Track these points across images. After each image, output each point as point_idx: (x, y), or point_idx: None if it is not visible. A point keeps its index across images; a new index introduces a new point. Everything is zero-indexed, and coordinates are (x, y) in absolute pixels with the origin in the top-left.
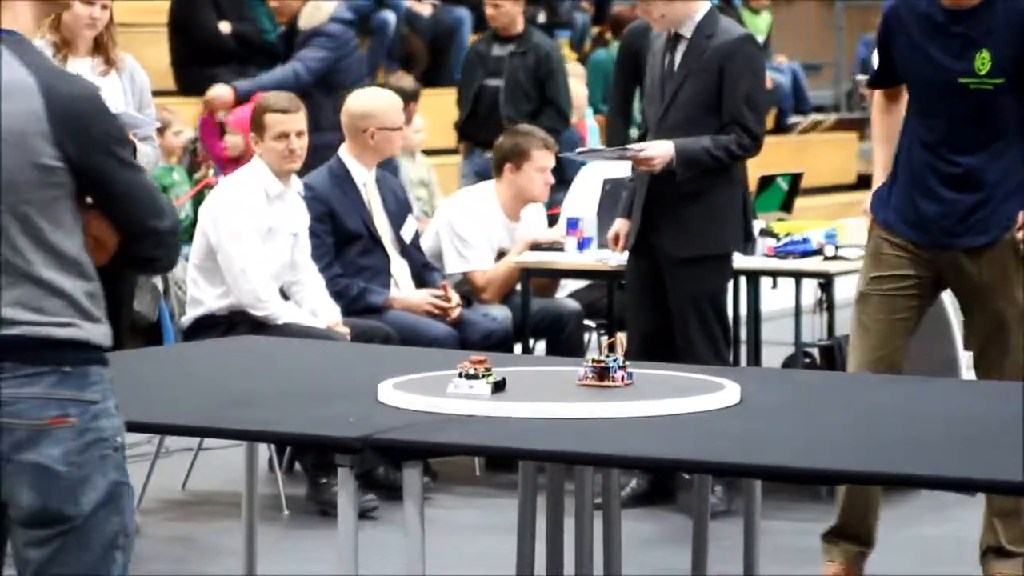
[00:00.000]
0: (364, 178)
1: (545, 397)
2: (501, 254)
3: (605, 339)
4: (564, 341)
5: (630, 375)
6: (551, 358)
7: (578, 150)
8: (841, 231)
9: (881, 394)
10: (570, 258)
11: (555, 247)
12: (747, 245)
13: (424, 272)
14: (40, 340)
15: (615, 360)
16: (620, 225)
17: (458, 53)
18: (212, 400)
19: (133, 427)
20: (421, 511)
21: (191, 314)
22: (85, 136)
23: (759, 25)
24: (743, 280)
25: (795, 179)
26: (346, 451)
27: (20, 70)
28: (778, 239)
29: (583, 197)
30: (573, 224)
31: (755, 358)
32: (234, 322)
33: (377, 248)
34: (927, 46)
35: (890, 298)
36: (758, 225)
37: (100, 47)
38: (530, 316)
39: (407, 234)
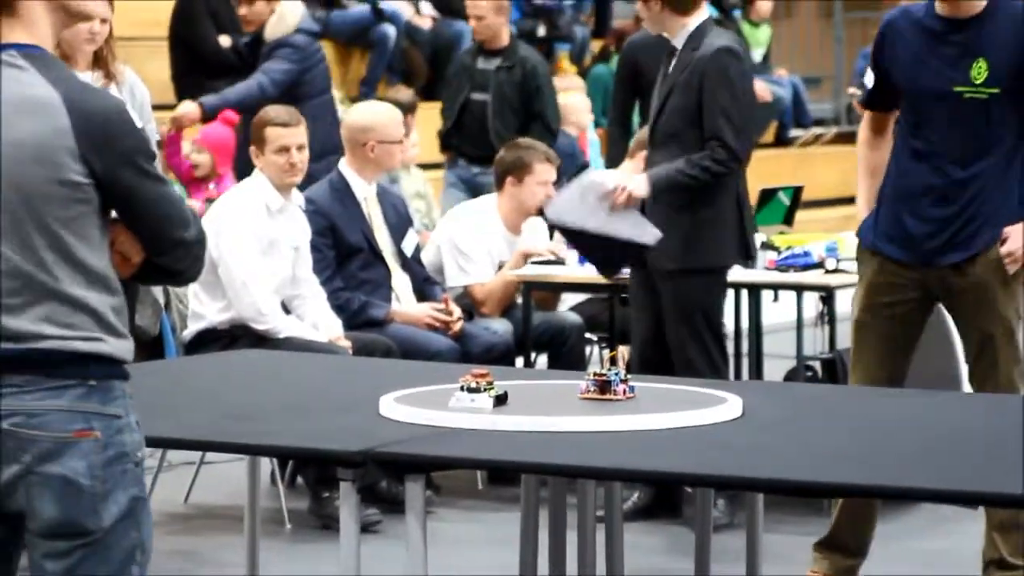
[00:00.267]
0: (365, 192)
1: (547, 411)
2: (502, 267)
3: (607, 352)
4: (566, 354)
5: (632, 388)
6: (553, 371)
7: (553, 202)
8: (842, 244)
9: (883, 407)
10: (571, 272)
11: (554, 259)
12: (748, 260)
13: (425, 286)
14: (67, 354)
15: (617, 373)
16: None
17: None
18: (214, 414)
19: None
20: (423, 525)
21: (193, 328)
22: (111, 151)
23: (759, 38)
24: (744, 293)
25: (796, 192)
26: (348, 465)
27: (44, 86)
28: (779, 252)
29: None
30: None
31: (757, 371)
32: (235, 336)
33: (378, 262)
34: (924, 55)
35: (886, 324)
36: (759, 239)
37: (100, 61)
38: (532, 329)
39: (408, 248)
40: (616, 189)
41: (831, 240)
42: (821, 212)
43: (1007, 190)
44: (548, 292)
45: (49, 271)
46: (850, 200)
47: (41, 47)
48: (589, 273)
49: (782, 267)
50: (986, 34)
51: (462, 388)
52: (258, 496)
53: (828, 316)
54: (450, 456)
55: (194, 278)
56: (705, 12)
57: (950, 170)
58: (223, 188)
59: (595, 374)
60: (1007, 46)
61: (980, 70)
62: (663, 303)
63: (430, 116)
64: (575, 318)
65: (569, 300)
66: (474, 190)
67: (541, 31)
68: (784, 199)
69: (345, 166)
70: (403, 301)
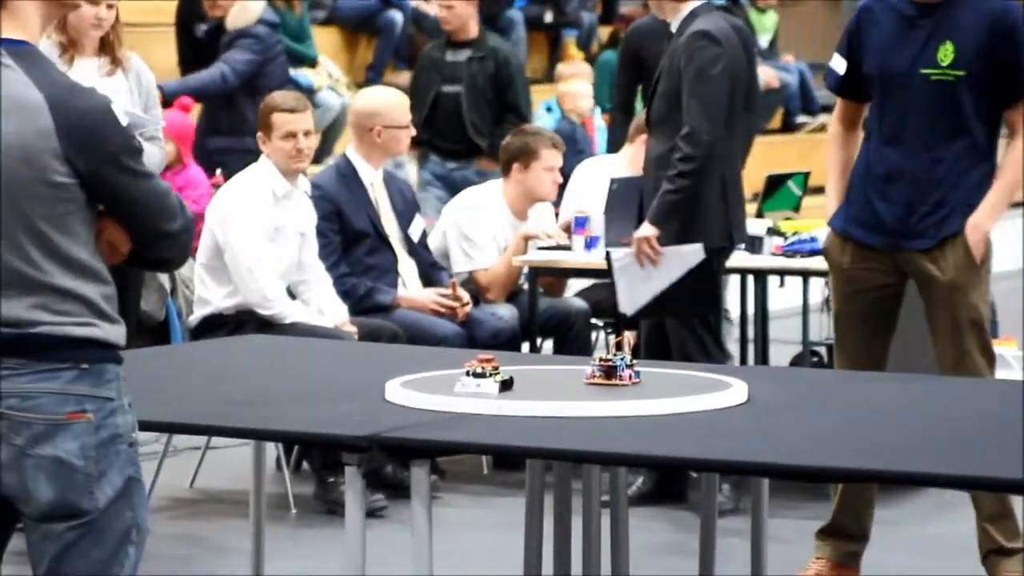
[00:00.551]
0: (371, 177)
1: (552, 396)
2: None
3: (612, 338)
4: (571, 340)
5: (637, 374)
6: (558, 357)
7: (620, 302)
8: None
9: (889, 392)
10: (577, 257)
11: (559, 244)
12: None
13: (431, 271)
14: (60, 338)
15: (622, 359)
16: None
17: None
18: (220, 399)
19: (141, 426)
20: (429, 510)
21: (198, 313)
22: (95, 152)
23: (766, 24)
24: (750, 279)
25: (803, 178)
26: (353, 450)
27: (27, 85)
28: (785, 238)
29: (581, 195)
30: (580, 223)
31: (762, 357)
32: (241, 321)
33: (384, 247)
34: (895, 39)
35: (863, 311)
36: (765, 224)
37: (106, 47)
38: (537, 315)
39: (414, 233)
40: (637, 252)
41: None
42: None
43: (977, 177)
44: (554, 277)
45: (39, 267)
46: None
47: (28, 42)
48: (595, 258)
49: (788, 253)
50: (954, 17)
51: (468, 373)
52: (263, 481)
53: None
54: (456, 441)
55: (181, 265)
56: None
57: (918, 154)
58: (189, 176)
59: (601, 359)
60: (973, 29)
61: (947, 52)
62: None
63: None
64: (581, 303)
65: (575, 285)
66: (451, 186)
67: (548, 17)
68: (796, 188)
69: (352, 151)
70: (409, 286)
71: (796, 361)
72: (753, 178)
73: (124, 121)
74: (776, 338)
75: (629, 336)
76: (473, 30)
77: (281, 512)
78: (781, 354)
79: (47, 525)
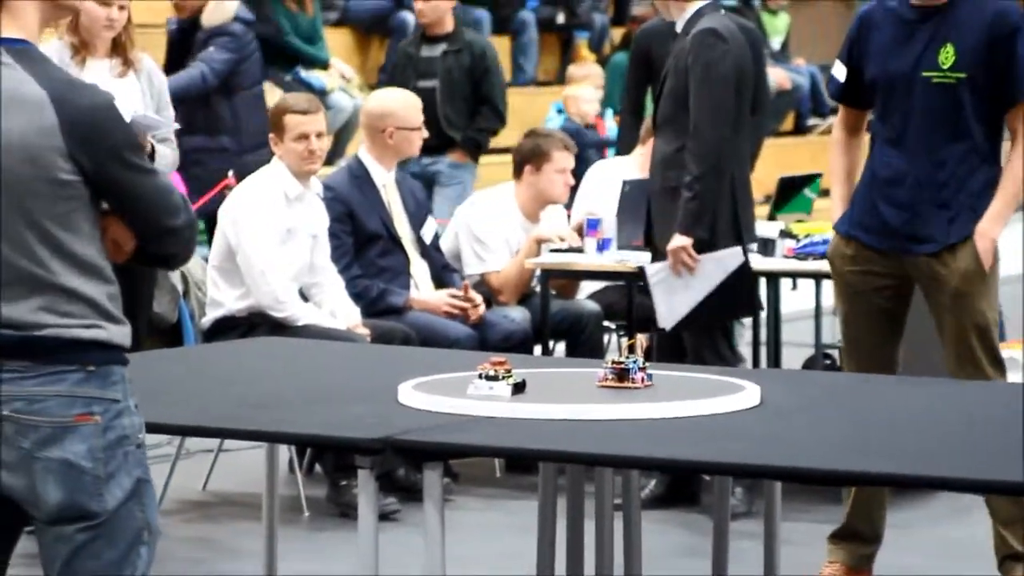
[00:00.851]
0: (383, 179)
1: (565, 398)
2: None
3: (625, 340)
4: (584, 342)
5: (650, 376)
6: (571, 359)
7: (659, 315)
8: None
9: (901, 395)
10: (589, 259)
11: (572, 247)
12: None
13: (444, 273)
14: (66, 340)
15: (635, 361)
16: None
17: None
18: (232, 401)
19: (154, 428)
20: (441, 512)
21: (211, 315)
22: (99, 148)
23: (777, 26)
24: (763, 281)
25: (814, 179)
26: (366, 452)
27: (29, 83)
28: (798, 240)
29: (594, 197)
30: (593, 225)
31: (775, 359)
32: (254, 323)
33: (397, 249)
34: (896, 43)
35: (869, 316)
36: (775, 227)
37: (118, 48)
38: (550, 317)
39: (427, 235)
40: (674, 264)
41: None
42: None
43: (981, 179)
44: (566, 280)
45: (43, 265)
46: None
47: (28, 41)
48: (607, 261)
49: (801, 255)
50: (954, 20)
51: (480, 376)
52: (276, 484)
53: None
54: (468, 444)
55: (185, 262)
56: None
57: (921, 157)
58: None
59: (613, 362)
60: (973, 31)
61: (948, 55)
62: None
63: None
64: (593, 306)
65: (587, 288)
66: (427, 181)
67: (560, 19)
68: (811, 194)
69: (364, 153)
70: (421, 289)
71: (808, 364)
72: (765, 180)
73: (132, 120)
74: (788, 341)
75: (642, 339)
76: (448, 24)
77: (294, 515)
78: (793, 357)
79: (58, 528)
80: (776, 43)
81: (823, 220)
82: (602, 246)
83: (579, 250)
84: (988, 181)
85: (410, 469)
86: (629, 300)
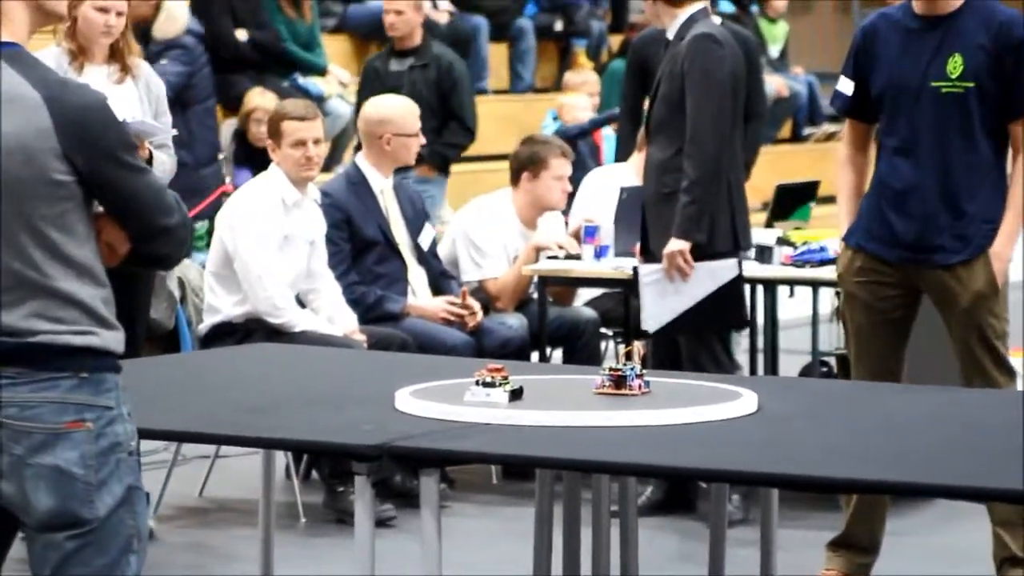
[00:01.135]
0: (381, 185)
1: (562, 405)
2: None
3: (622, 347)
4: (581, 349)
5: (647, 384)
6: (568, 366)
7: (643, 318)
8: None
9: (898, 403)
10: (587, 266)
11: (569, 254)
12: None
13: (441, 280)
14: (59, 347)
15: (632, 368)
16: None
17: (476, 61)
18: (229, 407)
19: (150, 434)
20: (438, 519)
21: (208, 322)
22: (93, 148)
23: (776, 34)
24: (760, 289)
25: (812, 187)
26: (363, 459)
27: (23, 84)
28: (795, 248)
29: (590, 204)
30: (590, 232)
31: (772, 367)
32: (251, 330)
33: (394, 255)
34: (903, 53)
35: (878, 327)
36: (773, 234)
37: (116, 55)
38: (547, 324)
39: (424, 241)
40: (669, 268)
41: None
42: (837, 208)
43: (991, 188)
44: (564, 287)
45: (38, 268)
46: None
47: (18, 43)
48: (604, 268)
49: (798, 263)
50: (962, 29)
51: (477, 383)
52: (273, 490)
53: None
54: (465, 451)
55: (179, 262)
56: (699, 4)
57: (930, 166)
58: None
59: (610, 369)
60: (980, 40)
61: (956, 65)
62: None
63: None
64: (590, 313)
65: (584, 295)
66: None
67: (558, 26)
68: (813, 206)
69: (361, 159)
70: (419, 295)
71: (806, 371)
72: (763, 188)
73: (130, 127)
74: (786, 348)
75: (639, 346)
76: (417, 38)
77: (290, 521)
78: (791, 364)
79: (48, 535)
80: (775, 51)
81: (820, 227)
82: (599, 253)
83: (577, 257)
84: (997, 190)
85: (406, 476)
86: (626, 307)
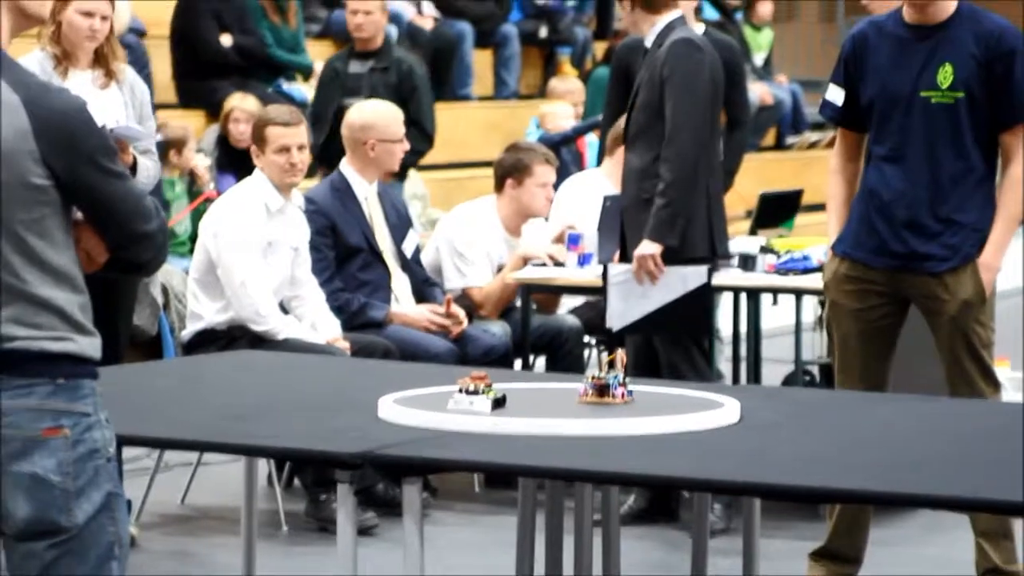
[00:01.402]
0: (365, 192)
1: (545, 414)
2: (501, 270)
3: (605, 356)
4: (564, 357)
5: (630, 392)
6: (551, 374)
7: (608, 316)
8: None
9: (881, 413)
10: (570, 274)
11: (554, 262)
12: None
13: (425, 287)
14: (35, 353)
15: (615, 377)
16: None
17: (460, 68)
18: (212, 414)
19: (133, 441)
20: (420, 527)
21: (191, 328)
22: (72, 152)
23: (760, 42)
24: (743, 297)
25: (796, 196)
26: (346, 467)
27: (3, 87)
28: (778, 256)
29: (568, 211)
30: (574, 240)
31: (755, 376)
32: (234, 336)
33: (378, 262)
34: (892, 62)
35: (864, 335)
36: (756, 242)
37: (101, 59)
38: (530, 332)
39: (408, 249)
40: (638, 270)
41: None
42: (821, 216)
43: (980, 198)
44: (548, 295)
45: (16, 273)
46: None
47: None
48: (588, 276)
49: (781, 271)
50: (952, 39)
51: (461, 390)
52: (255, 498)
53: (827, 320)
54: (448, 459)
55: (158, 268)
56: (677, 11)
57: (920, 175)
58: None
59: (593, 377)
60: (971, 50)
61: (946, 74)
62: None
63: None
64: (573, 321)
65: (568, 303)
66: None
67: (543, 33)
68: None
69: (346, 165)
70: (402, 302)
71: (788, 380)
72: (747, 196)
73: (114, 131)
74: (768, 357)
75: (621, 354)
76: (379, 40)
77: (272, 529)
78: (773, 373)
79: (27, 544)
80: (759, 59)
81: (804, 236)
82: (583, 261)
83: (560, 264)
84: (986, 200)
85: (389, 484)
86: (604, 313)
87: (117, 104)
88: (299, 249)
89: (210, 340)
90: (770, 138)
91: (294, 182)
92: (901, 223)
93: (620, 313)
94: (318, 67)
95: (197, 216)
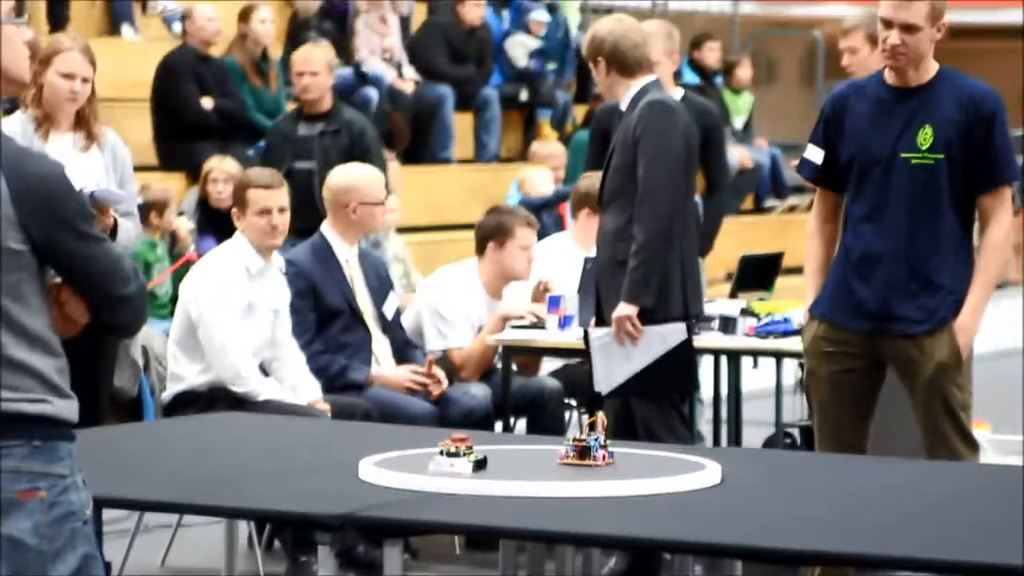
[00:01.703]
0: (346, 254)
1: (526, 476)
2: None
3: (586, 418)
4: (545, 419)
5: (611, 454)
6: (532, 436)
7: (595, 380)
8: None
9: (862, 475)
10: (551, 336)
11: (534, 323)
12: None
13: (405, 349)
14: (12, 415)
15: (596, 439)
16: None
17: (441, 130)
18: (192, 476)
19: (113, 503)
20: None
21: (171, 390)
22: (49, 217)
23: (740, 106)
24: (724, 359)
25: (776, 259)
26: (327, 529)
27: None
28: (759, 319)
29: (547, 268)
30: (554, 303)
31: (736, 438)
32: (214, 398)
33: (359, 324)
34: (873, 123)
35: (842, 398)
36: (736, 304)
37: (82, 121)
38: (511, 394)
39: (389, 310)
40: (617, 332)
41: None
42: (800, 279)
43: (957, 260)
44: (529, 356)
45: None
46: None
47: None
48: (568, 338)
49: (761, 334)
50: (932, 101)
51: (441, 452)
52: (235, 559)
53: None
54: (429, 520)
55: (138, 330)
56: (652, 76)
57: (898, 236)
58: None
59: (574, 439)
60: (951, 112)
61: (926, 136)
62: None
63: (412, 180)
64: (554, 383)
65: (549, 364)
66: None
67: (523, 96)
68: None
69: (327, 228)
70: (383, 364)
71: (769, 442)
72: (727, 258)
73: (94, 194)
74: (749, 419)
75: (602, 416)
76: (328, 102)
77: None
78: (754, 435)
79: None
80: (739, 122)
81: (784, 298)
82: (564, 323)
83: (541, 326)
84: (963, 262)
85: (370, 546)
86: (591, 377)
87: (98, 167)
88: (279, 311)
89: (190, 402)
90: (749, 202)
91: (275, 244)
92: (877, 284)
93: (606, 376)
94: None
95: (178, 278)
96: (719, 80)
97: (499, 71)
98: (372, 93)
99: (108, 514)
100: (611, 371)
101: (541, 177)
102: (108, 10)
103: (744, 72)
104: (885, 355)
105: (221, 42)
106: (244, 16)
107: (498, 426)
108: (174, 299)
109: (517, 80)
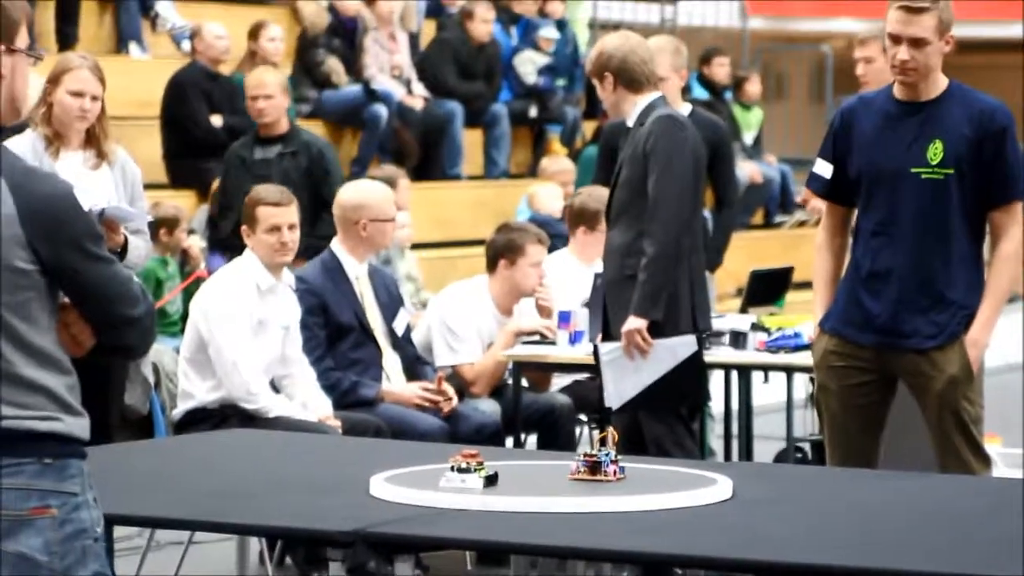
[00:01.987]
0: (356, 271)
1: (537, 491)
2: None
3: (596, 433)
4: (556, 435)
5: (622, 469)
6: (543, 452)
7: (605, 395)
8: None
9: (873, 490)
10: (561, 351)
11: (544, 337)
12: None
13: (416, 365)
14: (23, 433)
15: (607, 454)
16: None
17: (450, 147)
18: (203, 493)
19: (124, 520)
20: None
21: (182, 407)
22: (57, 237)
23: (750, 121)
24: (734, 374)
25: (786, 273)
26: (338, 545)
27: None
28: (769, 333)
29: (554, 287)
30: (565, 318)
31: (747, 453)
32: (225, 415)
33: (369, 341)
34: (882, 137)
35: (853, 412)
36: (747, 319)
37: (92, 139)
38: (521, 409)
39: (399, 327)
40: (627, 345)
41: None
42: (811, 294)
43: (967, 274)
44: (540, 372)
45: (1, 355)
46: None
47: None
48: (579, 353)
49: (772, 348)
50: (942, 116)
51: (452, 468)
52: None
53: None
54: (440, 536)
55: (145, 352)
56: (657, 92)
57: (907, 251)
58: None
59: (585, 455)
60: (961, 127)
61: (936, 151)
62: None
63: (422, 197)
64: (564, 398)
65: (559, 380)
66: None
67: (533, 112)
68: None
69: (337, 245)
70: (393, 381)
71: (780, 457)
72: (737, 273)
73: (105, 212)
74: (760, 434)
75: (613, 432)
76: (284, 124)
77: None
78: (765, 450)
79: None
80: (749, 138)
81: (795, 313)
82: (574, 339)
83: (552, 342)
84: (974, 276)
85: (381, 562)
86: (601, 392)
87: (108, 185)
88: (289, 328)
89: (201, 419)
90: (759, 217)
91: (284, 261)
92: (887, 298)
93: (616, 392)
94: None
95: (188, 295)
96: (729, 95)
97: (508, 88)
98: (381, 110)
99: (119, 531)
100: (621, 385)
101: (551, 193)
102: (117, 28)
103: (754, 87)
104: (896, 369)
105: (230, 60)
106: (253, 34)
107: (509, 442)
108: (184, 316)
109: (526, 96)
